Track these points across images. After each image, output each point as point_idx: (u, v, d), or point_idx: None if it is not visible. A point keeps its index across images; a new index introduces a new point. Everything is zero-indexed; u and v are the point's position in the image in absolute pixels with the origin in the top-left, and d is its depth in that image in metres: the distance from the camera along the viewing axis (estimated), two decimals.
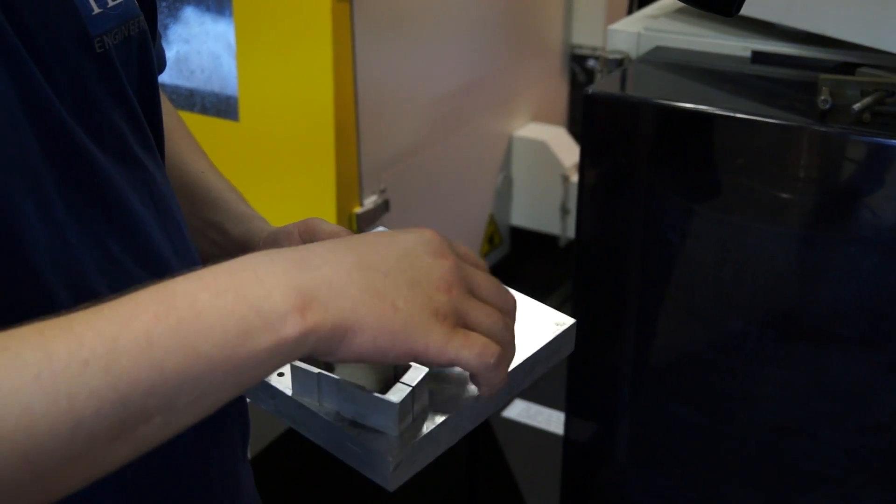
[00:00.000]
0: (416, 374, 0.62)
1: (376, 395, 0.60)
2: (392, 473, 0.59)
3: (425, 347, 0.56)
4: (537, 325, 0.71)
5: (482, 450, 1.91)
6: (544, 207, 2.62)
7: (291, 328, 0.52)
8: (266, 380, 0.65)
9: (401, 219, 2.13)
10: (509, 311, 0.62)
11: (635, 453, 1.56)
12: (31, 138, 0.57)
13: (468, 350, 0.57)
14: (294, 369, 0.64)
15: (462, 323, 0.58)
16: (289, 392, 0.66)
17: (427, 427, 0.62)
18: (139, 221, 0.65)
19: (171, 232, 0.69)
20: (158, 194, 0.69)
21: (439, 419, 0.62)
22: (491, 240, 2.63)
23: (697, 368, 1.47)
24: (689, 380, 1.48)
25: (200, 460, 0.70)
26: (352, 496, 1.80)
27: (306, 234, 0.76)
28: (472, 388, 0.65)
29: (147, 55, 0.69)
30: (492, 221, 2.61)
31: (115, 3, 0.64)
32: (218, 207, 0.81)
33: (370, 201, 2.07)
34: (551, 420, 2.16)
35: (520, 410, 2.22)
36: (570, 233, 2.56)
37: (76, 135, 0.60)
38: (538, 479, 1.92)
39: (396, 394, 0.60)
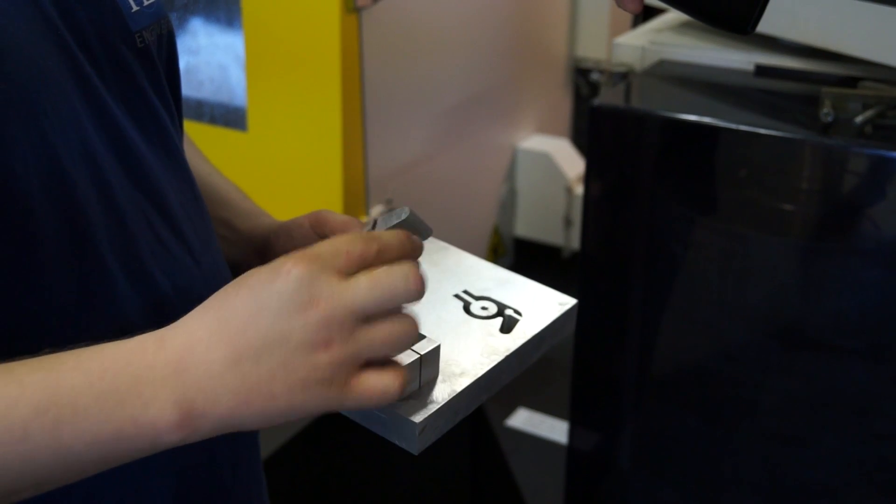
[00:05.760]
0: (427, 344, 0.65)
1: None
2: (418, 437, 0.63)
3: (322, 410, 0.55)
4: (542, 305, 0.76)
5: (486, 458, 1.92)
6: (548, 219, 2.64)
7: (168, 437, 0.53)
8: None
9: None
10: (409, 288, 0.57)
11: (638, 463, 1.57)
12: (90, 128, 0.61)
13: (367, 400, 0.55)
14: None
15: (357, 364, 0.55)
16: None
17: (448, 394, 0.66)
18: (181, 209, 0.69)
19: (206, 220, 0.73)
20: (194, 183, 0.72)
21: (458, 388, 0.66)
22: (495, 250, 2.64)
23: (701, 378, 1.48)
24: (693, 390, 1.49)
25: (229, 455, 0.73)
26: (358, 501, 1.81)
27: (317, 226, 0.79)
28: (487, 360, 0.70)
29: (174, 53, 0.73)
30: (496, 232, 2.63)
31: (150, 1, 0.68)
32: (226, 205, 0.85)
33: (376, 211, 2.09)
34: (555, 429, 2.17)
35: (524, 419, 2.23)
36: (574, 244, 2.58)
37: (124, 125, 0.64)
38: (542, 489, 1.93)
39: (403, 358, 0.63)
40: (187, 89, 2.04)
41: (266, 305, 0.54)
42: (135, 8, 0.66)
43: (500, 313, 0.75)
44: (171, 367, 0.53)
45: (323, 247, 0.55)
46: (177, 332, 0.55)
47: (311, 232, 0.80)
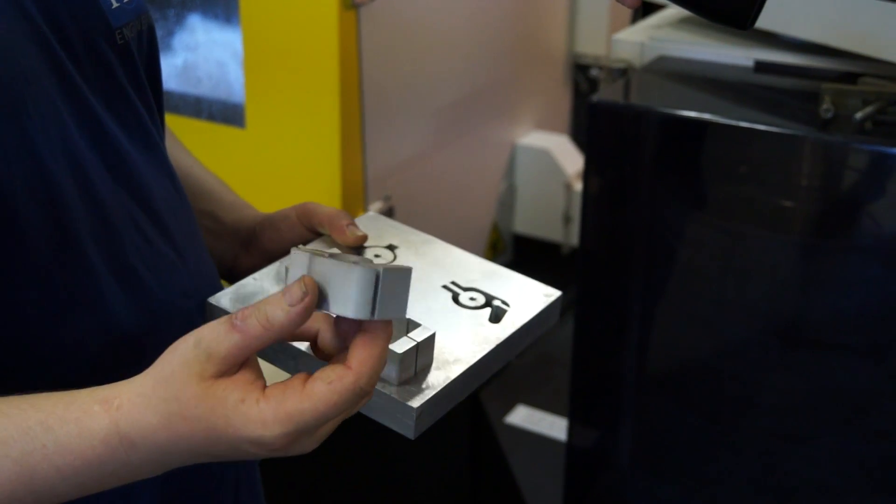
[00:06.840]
0: (423, 332, 0.67)
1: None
2: (415, 422, 0.65)
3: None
4: (528, 296, 0.79)
5: (485, 455, 1.92)
6: (547, 215, 2.63)
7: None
8: (288, 341, 0.68)
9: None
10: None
11: (638, 460, 1.57)
12: (72, 126, 0.61)
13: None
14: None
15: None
16: (310, 352, 0.68)
17: (443, 381, 0.68)
18: (164, 204, 0.69)
19: (190, 215, 0.73)
20: (176, 179, 0.73)
21: (453, 374, 0.68)
22: (494, 247, 2.64)
23: (700, 376, 1.48)
24: (692, 387, 1.49)
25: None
26: (356, 497, 1.80)
27: (304, 217, 0.80)
28: (479, 348, 0.71)
29: (155, 49, 0.73)
30: (495, 229, 2.63)
31: None
32: (210, 197, 0.85)
33: (375, 208, 2.08)
34: (554, 426, 2.16)
35: (523, 416, 2.23)
36: (573, 240, 2.57)
37: (105, 122, 0.64)
38: (541, 485, 1.93)
39: (400, 346, 0.65)
40: (186, 86, 2.04)
41: (244, 450, 0.57)
42: (115, 4, 0.66)
43: (487, 304, 0.77)
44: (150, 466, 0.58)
45: (309, 415, 0.56)
46: (147, 444, 0.56)
47: (297, 223, 0.80)
